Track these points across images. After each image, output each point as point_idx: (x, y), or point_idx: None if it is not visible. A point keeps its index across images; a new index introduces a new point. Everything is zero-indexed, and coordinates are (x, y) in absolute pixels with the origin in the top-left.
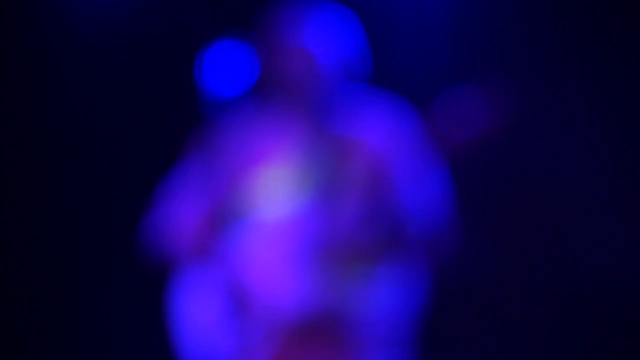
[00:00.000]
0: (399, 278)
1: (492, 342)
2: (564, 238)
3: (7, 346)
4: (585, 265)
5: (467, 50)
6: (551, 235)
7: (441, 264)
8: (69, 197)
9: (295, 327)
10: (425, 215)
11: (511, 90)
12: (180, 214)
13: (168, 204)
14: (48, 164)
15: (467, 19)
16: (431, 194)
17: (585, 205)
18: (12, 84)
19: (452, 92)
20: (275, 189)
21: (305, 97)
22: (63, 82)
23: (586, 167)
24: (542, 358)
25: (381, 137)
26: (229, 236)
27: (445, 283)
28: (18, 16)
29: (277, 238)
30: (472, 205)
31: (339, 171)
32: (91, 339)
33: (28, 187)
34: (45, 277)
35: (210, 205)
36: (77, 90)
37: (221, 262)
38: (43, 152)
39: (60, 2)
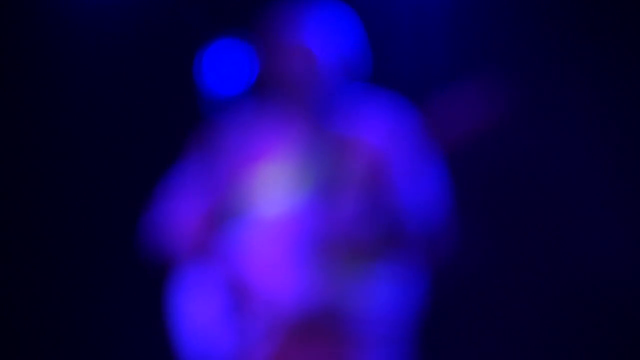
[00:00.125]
0: (397, 276)
1: (491, 340)
2: (563, 236)
3: (7, 346)
4: (585, 264)
5: (467, 49)
6: (551, 233)
7: (440, 262)
8: (69, 197)
9: (294, 324)
10: (424, 213)
11: (511, 88)
12: (179, 212)
13: (168, 202)
14: (48, 163)
15: (466, 18)
16: (430, 192)
17: (585, 203)
18: (12, 84)
19: (451, 90)
20: (275, 186)
21: (304, 96)
22: (63, 81)
23: (586, 165)
24: (541, 356)
25: (380, 135)
26: (228, 234)
27: (444, 281)
28: (18, 16)
29: (276, 235)
30: (471, 203)
31: (338, 169)
32: (91, 337)
33: (28, 187)
34: (45, 276)
35: (209, 204)
36: (76, 90)
37: (221, 260)
38: (43, 152)
39: (60, 2)
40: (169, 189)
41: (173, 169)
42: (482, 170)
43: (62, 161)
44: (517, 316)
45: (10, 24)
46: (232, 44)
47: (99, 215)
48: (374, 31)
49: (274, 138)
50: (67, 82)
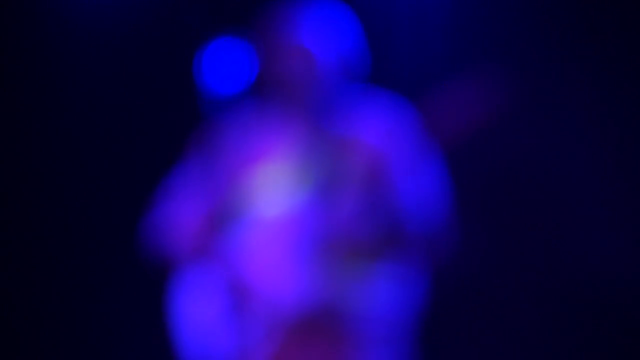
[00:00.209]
0: (397, 275)
1: (491, 340)
2: (563, 236)
3: (7, 346)
4: (585, 264)
5: (465, 48)
6: (551, 232)
7: (440, 261)
8: (69, 197)
9: (294, 323)
10: (424, 213)
11: (510, 88)
12: (179, 214)
13: (168, 204)
14: (48, 164)
15: (465, 16)
16: (430, 191)
17: (585, 202)
18: (12, 83)
19: (450, 89)
20: (274, 187)
21: (304, 96)
22: (62, 81)
23: (586, 164)
24: (541, 356)
25: (380, 135)
26: (228, 234)
27: (444, 280)
28: (18, 16)
29: (276, 235)
30: (470, 202)
31: (338, 169)
32: (92, 339)
33: (28, 188)
34: (45, 277)
35: (209, 204)
36: (75, 90)
37: (221, 261)
38: (43, 152)
39: (60, 2)
40: (169, 190)
41: (173, 170)
42: (481, 169)
43: (62, 162)
44: (517, 316)
45: (10, 24)
46: (232, 43)
47: (100, 217)
48: (373, 31)
49: (273, 139)
50: (67, 82)
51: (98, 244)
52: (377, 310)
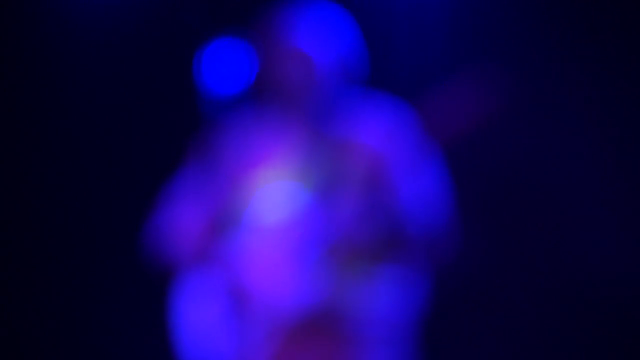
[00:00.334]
0: (398, 277)
1: (491, 340)
2: (564, 236)
3: (7, 346)
4: (585, 264)
5: (465, 48)
6: (551, 233)
7: (441, 263)
8: (70, 201)
9: (295, 326)
10: (424, 215)
11: (510, 88)
12: (181, 217)
13: (169, 208)
14: (48, 165)
15: (464, 17)
16: (430, 193)
17: (585, 202)
18: (12, 83)
19: (449, 90)
20: (275, 191)
21: (303, 100)
22: (62, 82)
23: (586, 164)
24: (541, 356)
25: (379, 138)
26: (229, 238)
27: (445, 282)
28: (18, 16)
29: (277, 239)
30: (471, 204)
31: (338, 172)
32: (93, 342)
33: (28, 191)
34: (46, 280)
35: (210, 209)
36: (75, 91)
37: (222, 264)
38: (43, 154)
39: (60, 2)
40: (170, 194)
41: (174, 174)
42: (481, 170)
43: (62, 164)
44: (517, 316)
45: (10, 24)
46: (231, 43)
47: (101, 221)
48: (371, 32)
49: (273, 143)
50: (67, 83)
51: (100, 247)
52: (378, 312)
